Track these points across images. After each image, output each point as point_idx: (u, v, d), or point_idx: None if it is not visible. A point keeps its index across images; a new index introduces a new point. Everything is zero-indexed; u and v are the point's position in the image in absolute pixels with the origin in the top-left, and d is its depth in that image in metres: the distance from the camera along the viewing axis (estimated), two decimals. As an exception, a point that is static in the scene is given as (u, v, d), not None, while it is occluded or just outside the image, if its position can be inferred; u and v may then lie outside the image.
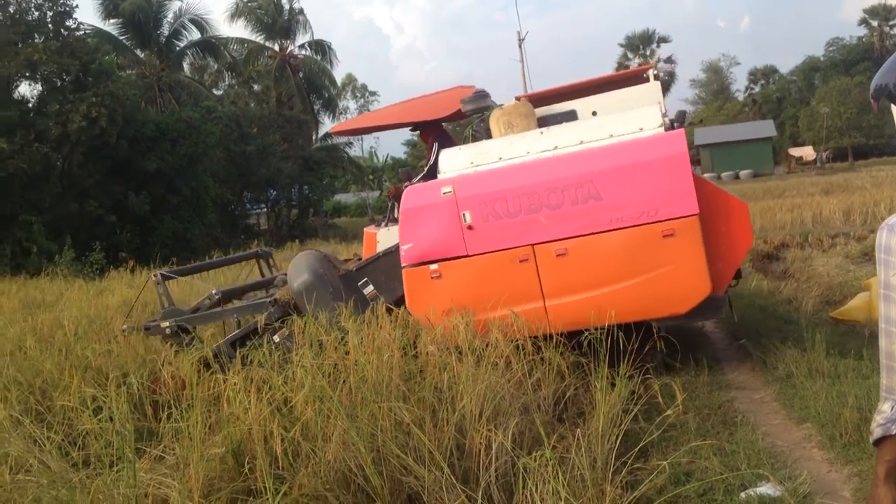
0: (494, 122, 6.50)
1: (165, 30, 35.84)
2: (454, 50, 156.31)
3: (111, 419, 4.48)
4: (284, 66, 40.31)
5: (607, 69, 71.97)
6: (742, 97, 73.93)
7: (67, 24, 22.97)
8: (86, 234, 20.85)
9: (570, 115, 6.78)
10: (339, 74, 49.34)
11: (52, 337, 7.64)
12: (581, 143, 5.77)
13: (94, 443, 4.34)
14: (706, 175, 55.89)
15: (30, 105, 22.68)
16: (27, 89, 23.23)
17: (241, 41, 41.27)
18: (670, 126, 5.79)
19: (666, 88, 69.05)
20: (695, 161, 61.92)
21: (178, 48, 37.13)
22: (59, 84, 22.10)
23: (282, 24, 40.59)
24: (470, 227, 5.82)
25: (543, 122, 6.62)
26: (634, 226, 5.44)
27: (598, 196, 5.49)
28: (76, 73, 21.88)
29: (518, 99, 7.01)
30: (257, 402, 4.18)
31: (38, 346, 6.93)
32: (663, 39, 68.56)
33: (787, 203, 19.73)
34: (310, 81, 41.88)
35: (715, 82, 77.95)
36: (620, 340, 5.09)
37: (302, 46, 42.54)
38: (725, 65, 78.28)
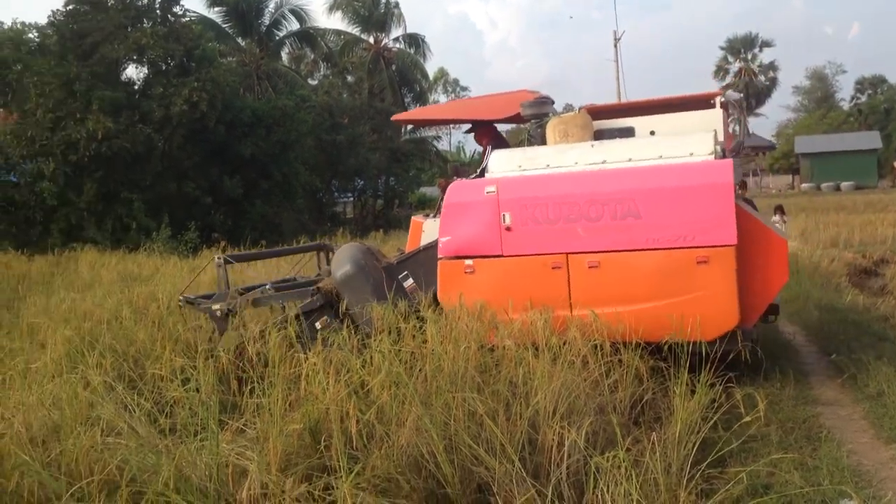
0: (551, 129, 6.53)
1: (266, 19, 36.77)
2: (547, 47, 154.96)
3: (197, 390, 4.67)
4: (378, 58, 40.81)
5: (705, 73, 70.15)
6: (847, 106, 70.92)
7: (174, 10, 23.84)
8: (182, 214, 21.63)
9: (628, 132, 6.74)
10: (431, 68, 49.76)
11: (147, 309, 7.94)
12: (630, 160, 5.78)
13: (181, 411, 4.53)
14: (804, 185, 54.00)
15: (136, 87, 23.61)
16: (134, 72, 24.19)
17: (338, 32, 41.99)
18: (722, 154, 5.69)
19: (767, 94, 67.01)
20: (793, 170, 59.79)
21: (277, 37, 38.05)
22: (163, 68, 22.95)
23: (378, 17, 41.07)
24: (508, 229, 5.91)
25: (600, 135, 6.62)
26: (670, 248, 5.44)
27: (638, 214, 5.52)
28: (180, 59, 22.68)
29: (580, 110, 6.98)
30: (335, 383, 4.27)
31: (133, 317, 7.25)
32: (766, 44, 66.42)
33: (889, 217, 18.92)
34: (402, 74, 42.27)
35: (819, 90, 74.93)
36: (704, 347, 5.00)
37: (396, 39, 42.98)
38: (831, 72, 75.13)
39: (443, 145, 54.54)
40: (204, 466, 3.79)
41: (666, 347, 5.03)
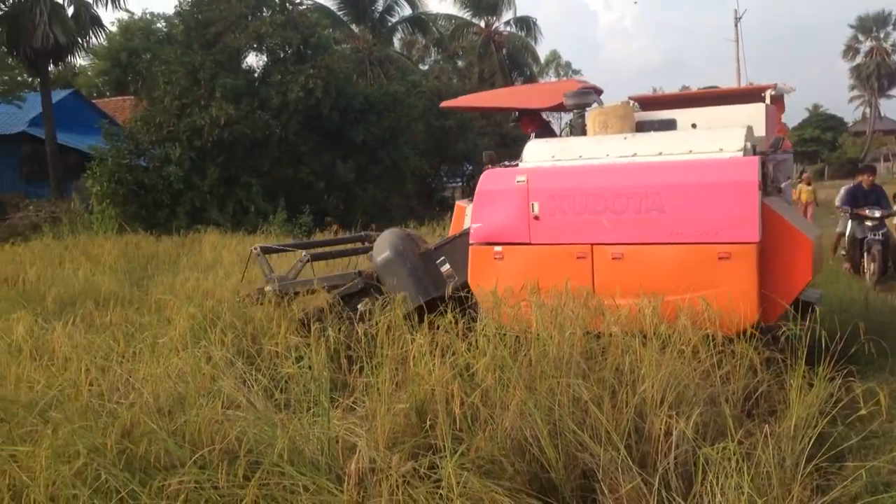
0: (591, 119, 6.54)
1: (379, 6, 37.37)
2: (664, 28, 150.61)
3: (310, 368, 4.84)
4: (489, 42, 40.76)
5: (833, 53, 66.48)
6: None
7: (291, -2, 24.60)
8: (297, 198, 22.30)
9: (670, 124, 6.65)
10: (542, 51, 49.26)
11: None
12: (660, 154, 5.80)
13: (295, 387, 4.71)
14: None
15: (256, 75, 24.45)
16: (254, 60, 25.06)
17: (449, 17, 42.19)
18: (753, 151, 5.57)
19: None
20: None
21: (389, 23, 38.63)
22: (281, 56, 23.66)
23: (489, 1, 40.99)
24: (536, 218, 6.04)
25: (641, 127, 6.59)
26: (692, 243, 5.50)
27: (662, 209, 5.59)
28: (297, 46, 23.33)
29: (629, 101, 6.96)
30: (441, 365, 4.34)
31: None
32: (901, 21, 62.40)
33: None
34: (512, 58, 42.09)
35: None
36: (823, 339, 4.79)
37: (507, 23, 42.81)
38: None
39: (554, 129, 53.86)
40: (316, 440, 3.94)
41: (783, 338, 4.84)
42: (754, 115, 6.41)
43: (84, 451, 3.36)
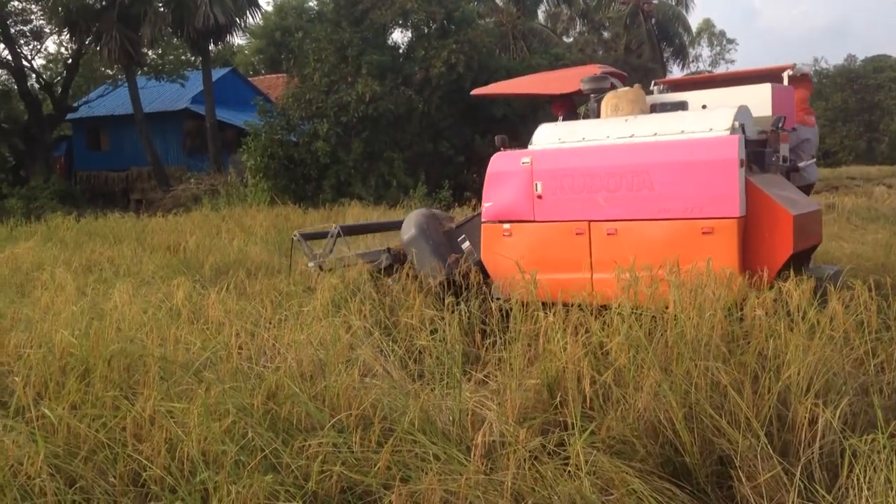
0: (605, 103, 6.76)
1: (526, -22, 37.06)
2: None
3: (443, 340, 4.95)
4: (637, 12, 39.58)
5: None
6: None
7: (438, -27, 24.80)
8: (437, 173, 22.64)
9: (681, 106, 6.83)
10: (694, 20, 47.31)
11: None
12: (655, 134, 6.05)
13: (428, 359, 4.82)
14: None
15: (400, 51, 24.89)
16: (399, 36, 25.59)
17: (596, -13, 41.29)
18: (741, 130, 5.80)
19: None
20: None
21: (533, -4, 38.27)
22: (425, 31, 23.96)
23: (639, -31, 39.75)
24: (539, 197, 6.45)
25: (655, 109, 6.82)
26: (678, 218, 5.78)
27: (651, 186, 5.89)
28: (441, 21, 23.56)
29: (656, 84, 7.27)
30: (573, 342, 4.31)
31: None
32: None
33: None
34: (662, 28, 40.72)
35: None
36: None
37: (658, -9, 41.40)
38: None
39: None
40: (448, 411, 4.03)
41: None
42: (760, 95, 6.62)
43: (233, 411, 3.59)
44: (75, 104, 31.97)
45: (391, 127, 22.51)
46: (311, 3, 42.24)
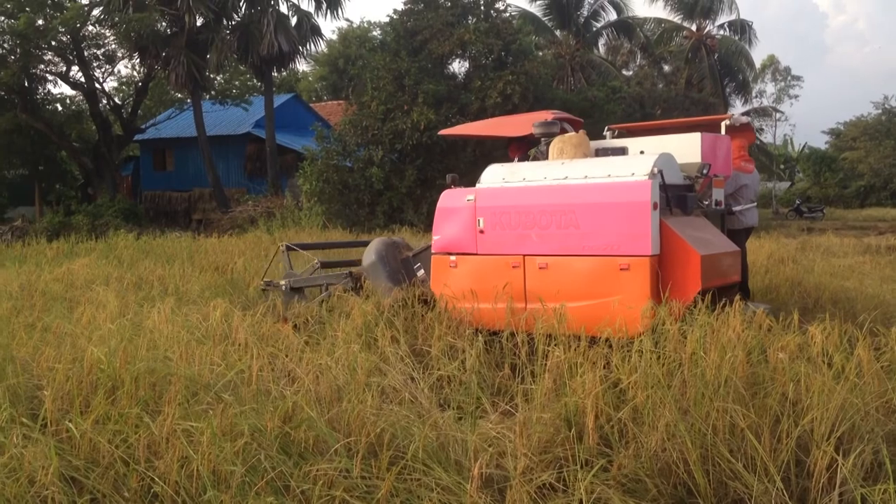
0: (552, 147, 7.23)
1: (585, 11, 37.15)
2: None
3: (467, 370, 4.99)
4: (699, 46, 39.24)
5: None
6: None
7: (497, 6, 25.02)
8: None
9: (622, 151, 7.41)
10: (758, 56, 46.64)
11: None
12: (585, 177, 6.52)
13: (447, 388, 4.88)
14: None
15: (457, 81, 25.17)
16: (457, 66, 25.81)
17: (658, 21, 41.05)
18: (660, 176, 6.24)
19: None
20: None
21: (594, 28, 38.29)
22: (482, 62, 24.20)
23: (703, 4, 39.44)
24: (482, 231, 6.95)
25: (599, 153, 7.41)
26: (599, 255, 6.26)
27: (577, 225, 6.38)
28: (498, 53, 23.76)
29: (583, 131, 7.54)
30: (592, 378, 4.30)
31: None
32: None
33: None
34: (724, 63, 40.23)
35: None
36: None
37: (721, 26, 40.97)
38: None
39: (767, 138, 50.92)
40: (470, 443, 4.04)
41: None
42: (691, 144, 7.18)
43: (247, 432, 3.68)
44: (143, 126, 33.12)
45: (445, 155, 22.70)
46: (374, 33, 43.09)
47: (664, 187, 6.28)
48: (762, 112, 47.28)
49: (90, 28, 28.36)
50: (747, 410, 4.04)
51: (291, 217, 22.59)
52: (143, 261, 12.58)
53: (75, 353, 4.91)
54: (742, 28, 40.99)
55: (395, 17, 25.31)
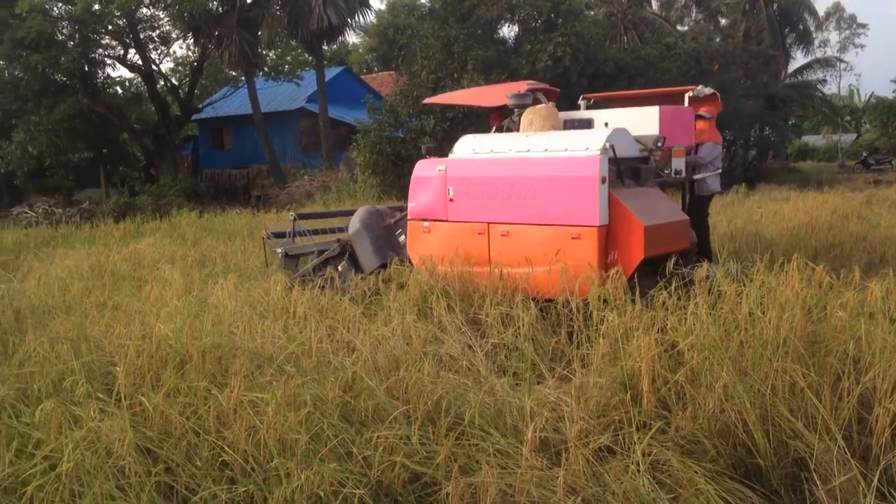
0: (524, 117, 7.65)
1: (637, -34, 36.22)
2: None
3: (522, 336, 5.03)
4: (756, -4, 37.96)
5: None
6: None
7: (545, -34, 24.61)
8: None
9: (588, 124, 7.86)
10: (821, 4, 44.86)
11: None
12: (545, 150, 6.89)
13: (499, 355, 4.94)
14: None
15: (507, 46, 24.89)
16: (506, 31, 25.48)
17: (713, -28, 39.82)
18: (611, 150, 6.61)
19: None
20: None
21: (646, -17, 37.35)
22: (532, 25, 23.85)
23: (759, -48, 38.04)
24: (451, 200, 7.42)
25: (567, 125, 7.83)
26: (554, 224, 6.70)
27: (534, 196, 6.83)
28: (548, 14, 23.35)
29: (553, 103, 8.01)
30: (647, 342, 4.31)
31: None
32: None
33: None
34: (784, 13, 38.76)
35: None
36: None
37: (780, -26, 39.49)
38: None
39: (830, 89, 49.11)
40: (527, 407, 4.10)
41: None
42: (650, 116, 7.57)
43: (310, 402, 3.80)
44: (200, 105, 33.67)
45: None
46: (422, 1, 42.82)
47: (616, 161, 6.68)
48: (825, 62, 45.36)
49: (144, 10, 28.84)
50: (807, 369, 4.01)
51: (347, 190, 22.80)
52: (206, 238, 12.92)
53: (145, 330, 5.12)
54: (802, -25, 39.45)
55: (442, -18, 25.09)
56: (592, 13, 29.33)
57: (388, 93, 28.19)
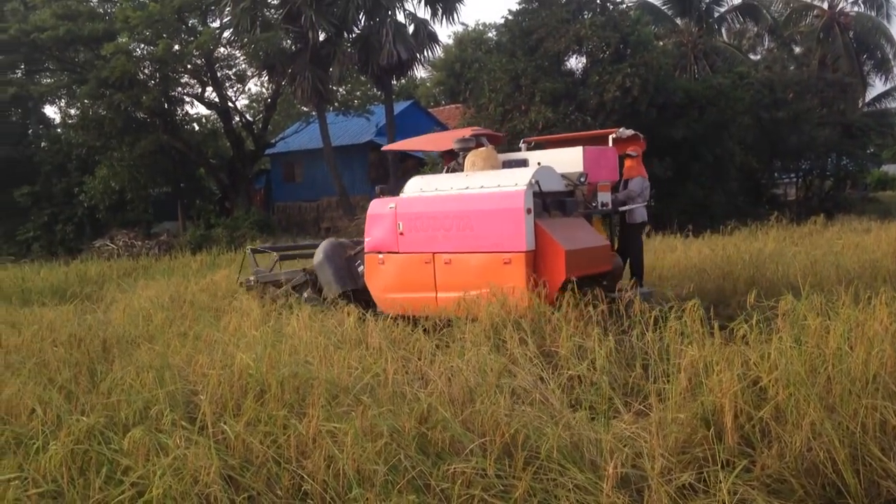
0: (468, 159, 8.42)
1: (706, -4, 35.89)
2: None
3: (596, 369, 4.97)
4: (832, 24, 37.09)
5: None
6: None
7: (613, -1, 24.62)
8: (613, 197, 22.26)
9: (523, 163, 8.60)
10: (897, 29, 43.51)
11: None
12: (482, 187, 7.76)
13: (577, 388, 4.88)
14: None
15: (575, 77, 24.90)
16: (574, 62, 25.48)
17: (787, 1, 39.16)
18: (537, 186, 7.55)
19: None
20: None
21: (717, 14, 36.93)
22: (600, 57, 23.80)
23: (837, -21, 37.30)
24: (401, 234, 8.21)
25: (506, 164, 8.57)
26: (489, 252, 7.53)
27: (472, 227, 7.65)
28: (616, 46, 23.26)
29: (492, 146, 8.74)
30: (730, 376, 4.20)
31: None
32: None
33: None
34: (860, 40, 37.86)
35: None
36: None
37: (854, 2, 38.60)
38: None
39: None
40: (604, 443, 4.03)
41: None
42: (574, 156, 8.39)
43: (387, 432, 3.82)
44: (273, 140, 34.56)
45: (564, 153, 22.47)
46: (489, 35, 43.25)
47: (541, 195, 7.53)
48: (905, 89, 44.14)
49: (222, 50, 29.90)
50: (898, 406, 3.85)
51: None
52: (279, 270, 13.14)
53: (225, 359, 5.23)
54: (878, 3, 38.46)
55: (510, 17, 25.32)
56: (661, 43, 29.14)
57: (456, 125, 28.41)
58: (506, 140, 9.81)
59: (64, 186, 30.79)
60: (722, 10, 36.90)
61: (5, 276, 14.81)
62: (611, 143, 9.01)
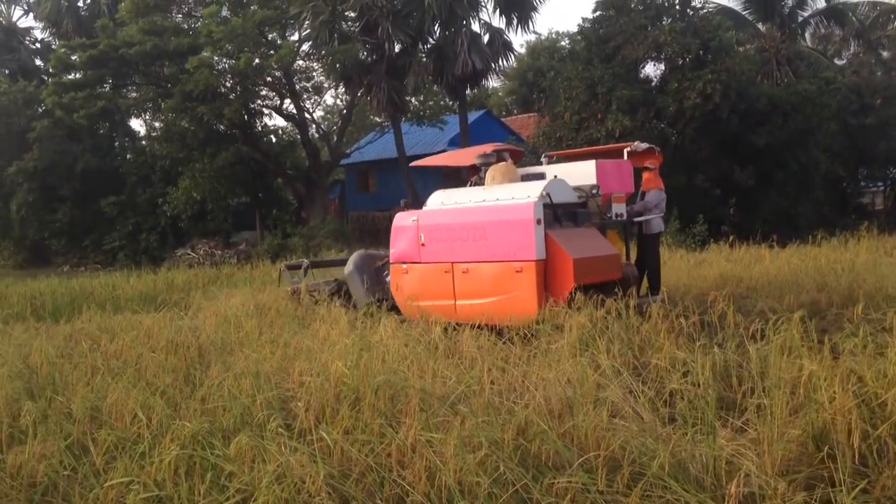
0: (488, 174, 8.84)
1: (790, 0, 34.89)
2: None
3: (696, 384, 4.81)
4: (921, 26, 35.69)
5: None
6: None
7: (693, 4, 24.12)
8: (691, 206, 21.70)
9: (540, 176, 8.90)
10: None
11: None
12: (497, 199, 8.17)
13: (680, 402, 4.72)
14: None
15: (653, 84, 24.49)
16: (651, 69, 25.07)
17: (873, 4, 37.78)
18: (548, 198, 7.89)
19: None
20: None
21: (800, 18, 35.86)
22: (679, 63, 23.34)
23: (924, -20, 35.85)
24: (423, 244, 8.68)
25: (524, 178, 8.90)
26: (502, 261, 7.89)
27: (486, 238, 8.04)
28: (696, 52, 22.77)
29: (510, 161, 9.23)
30: (843, 392, 4.01)
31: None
32: None
33: None
34: (952, 42, 36.31)
35: None
36: None
37: (945, 2, 37.01)
38: None
39: None
40: (700, 458, 3.90)
41: None
42: (587, 169, 8.73)
43: (486, 444, 3.76)
44: (348, 151, 35.04)
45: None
46: (562, 43, 43.01)
47: (552, 206, 7.86)
48: None
49: (300, 63, 30.50)
50: None
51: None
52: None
53: (318, 367, 5.27)
54: (972, 2, 36.78)
55: (585, 25, 25.11)
56: (743, 49, 28.42)
57: (529, 134, 28.28)
58: (522, 156, 10.42)
59: (148, 197, 31.74)
60: (805, 14, 35.78)
61: (97, 284, 15.32)
62: (626, 157, 9.33)
